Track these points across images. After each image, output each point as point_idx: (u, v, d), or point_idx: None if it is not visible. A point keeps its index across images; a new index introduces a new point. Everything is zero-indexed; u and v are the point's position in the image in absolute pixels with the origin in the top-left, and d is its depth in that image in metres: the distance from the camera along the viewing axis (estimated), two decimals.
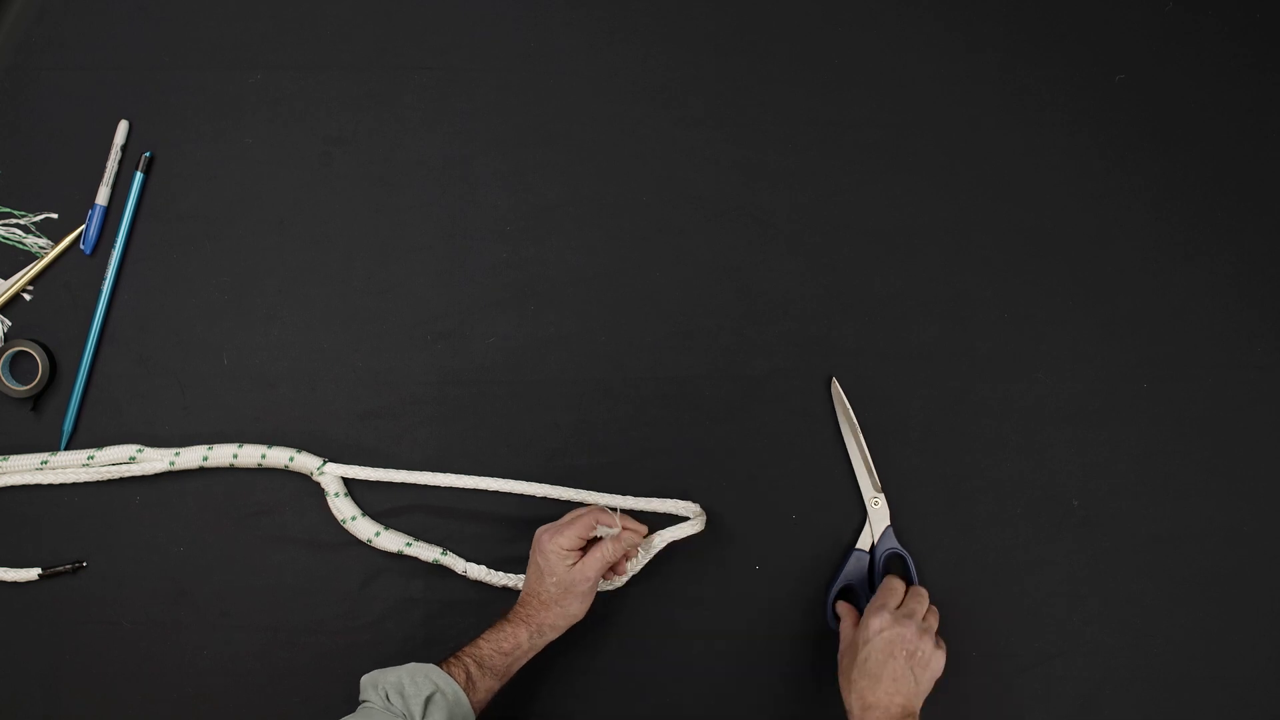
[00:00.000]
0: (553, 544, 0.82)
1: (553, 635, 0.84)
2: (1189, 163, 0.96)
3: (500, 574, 0.90)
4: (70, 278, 0.93)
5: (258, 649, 0.90)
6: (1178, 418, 0.93)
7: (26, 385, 0.91)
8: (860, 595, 0.90)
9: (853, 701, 0.79)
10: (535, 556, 0.83)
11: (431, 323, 0.93)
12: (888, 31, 0.97)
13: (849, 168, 0.95)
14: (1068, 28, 0.97)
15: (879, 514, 0.91)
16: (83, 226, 0.92)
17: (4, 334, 0.92)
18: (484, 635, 0.83)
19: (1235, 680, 0.91)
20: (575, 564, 0.82)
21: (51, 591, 0.90)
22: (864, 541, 0.91)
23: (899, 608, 0.83)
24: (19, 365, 0.92)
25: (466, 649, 0.82)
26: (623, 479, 0.91)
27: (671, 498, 0.90)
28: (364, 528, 0.89)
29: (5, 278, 0.92)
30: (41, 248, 0.92)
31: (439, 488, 0.90)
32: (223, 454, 0.90)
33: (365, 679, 0.80)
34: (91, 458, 0.90)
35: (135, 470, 0.90)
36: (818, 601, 0.91)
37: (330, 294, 0.93)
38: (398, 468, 0.91)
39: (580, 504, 0.89)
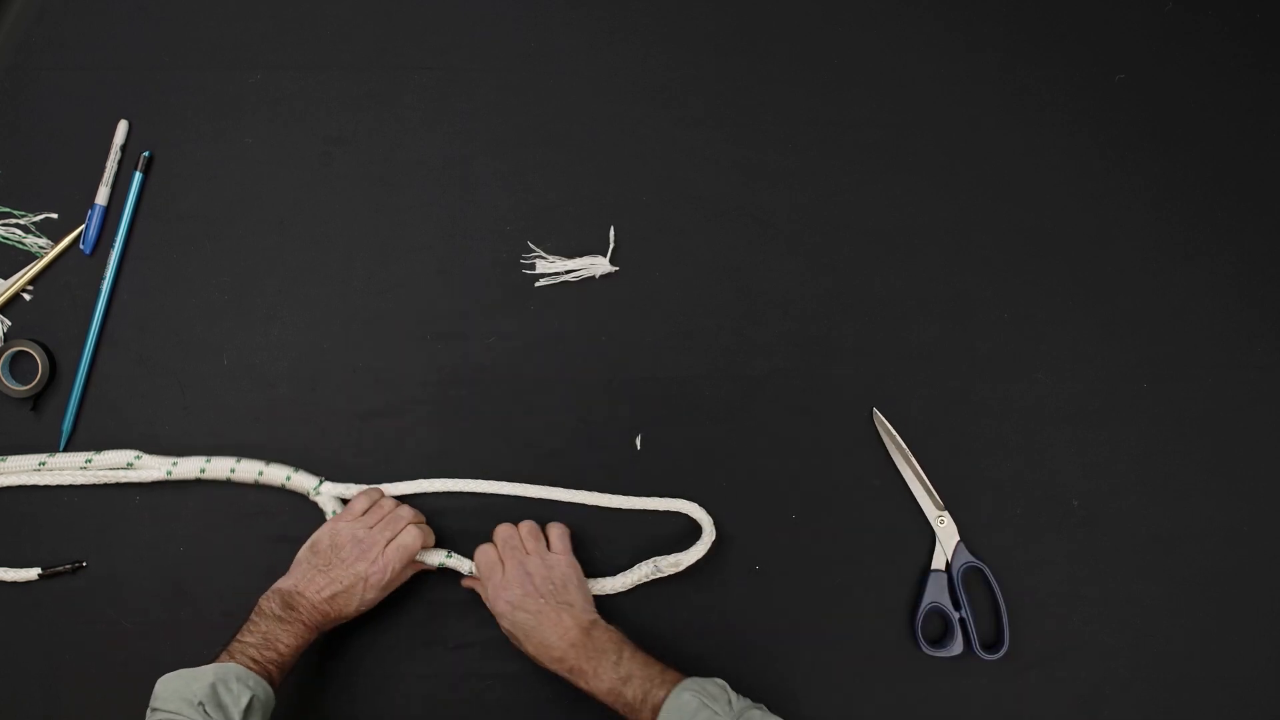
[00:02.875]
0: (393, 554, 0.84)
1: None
2: (1189, 163, 0.96)
3: (458, 557, 0.89)
4: (70, 278, 0.92)
5: None
6: (1178, 418, 0.93)
7: (26, 385, 0.91)
8: (949, 615, 0.90)
9: (551, 666, 0.81)
10: (361, 572, 0.83)
11: (431, 323, 0.93)
12: (888, 31, 0.97)
13: (849, 168, 0.95)
14: (1068, 28, 0.97)
15: (947, 532, 0.91)
16: (82, 226, 0.92)
17: (4, 334, 0.92)
18: (280, 638, 0.80)
19: (1235, 680, 0.91)
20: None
21: (51, 591, 0.90)
22: (938, 561, 0.91)
23: (504, 572, 0.84)
24: (19, 365, 0.92)
25: (263, 649, 0.79)
26: (623, 479, 0.91)
27: (673, 497, 0.90)
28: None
29: (5, 278, 0.92)
30: (41, 248, 0.92)
31: (440, 492, 0.90)
32: (220, 467, 0.89)
33: (162, 686, 0.74)
34: (90, 460, 0.90)
35: (133, 476, 0.90)
36: (818, 601, 0.91)
37: (330, 294, 0.93)
38: (398, 467, 0.91)
39: (574, 504, 0.90)
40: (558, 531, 0.87)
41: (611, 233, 0.93)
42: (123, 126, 0.93)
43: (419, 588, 0.91)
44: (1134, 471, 0.93)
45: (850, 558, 0.91)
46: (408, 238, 0.94)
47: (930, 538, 0.91)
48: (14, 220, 0.93)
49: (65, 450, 0.91)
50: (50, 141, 0.93)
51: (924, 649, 0.90)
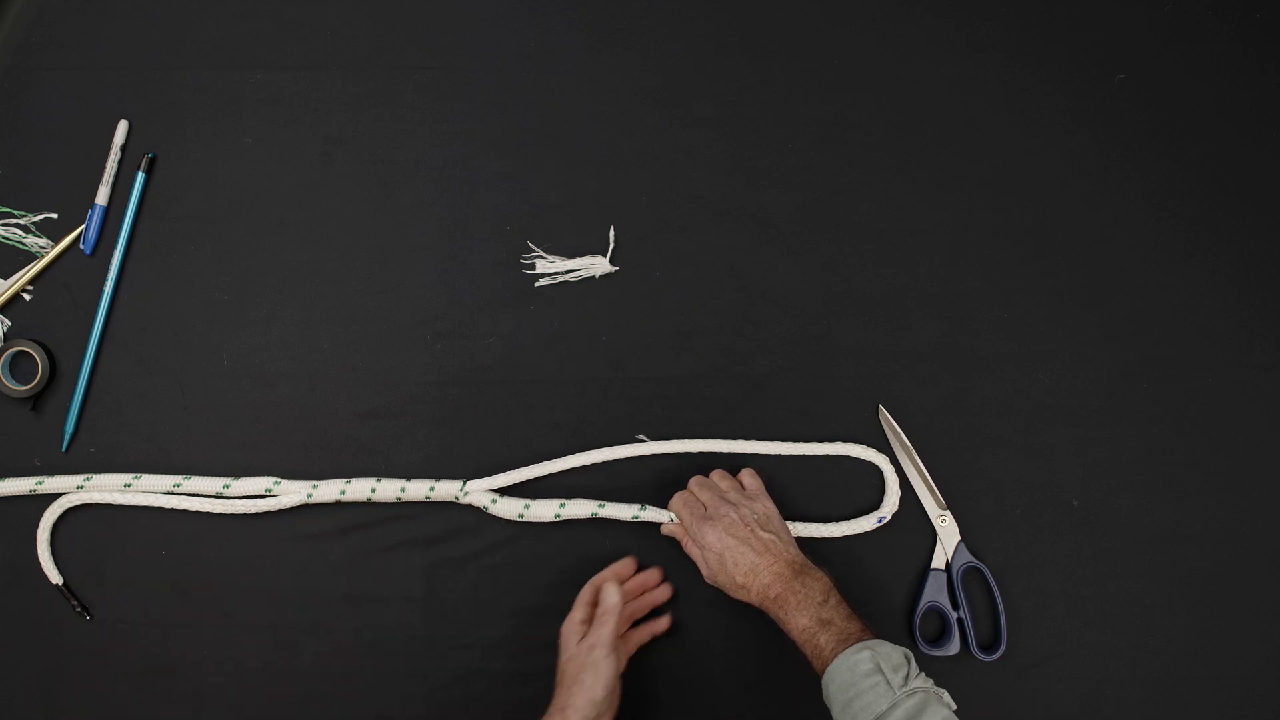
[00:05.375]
0: (565, 623, 0.84)
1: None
2: (1189, 163, 0.96)
3: (654, 509, 0.89)
4: (70, 278, 0.93)
5: (258, 649, 0.90)
6: (1178, 418, 0.93)
7: (26, 385, 0.91)
8: (947, 615, 0.90)
9: (755, 598, 0.81)
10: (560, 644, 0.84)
11: (431, 323, 0.93)
12: (888, 31, 0.97)
13: (849, 168, 0.95)
14: (1068, 28, 0.97)
15: (948, 531, 0.91)
16: (83, 226, 0.92)
17: (4, 334, 0.92)
18: None
19: (1235, 680, 0.91)
20: (583, 637, 0.82)
21: (52, 592, 0.90)
22: (938, 560, 0.91)
23: (706, 509, 0.85)
24: (19, 365, 0.92)
25: None
26: (623, 480, 0.91)
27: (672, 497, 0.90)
28: (542, 510, 0.89)
29: (5, 278, 0.92)
30: (41, 248, 0.92)
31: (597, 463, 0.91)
32: (360, 488, 0.89)
33: None
34: (227, 486, 0.89)
35: (273, 504, 0.89)
36: None
37: (330, 294, 0.93)
38: (398, 467, 0.91)
39: (743, 455, 0.92)
40: (750, 473, 0.89)
41: (611, 233, 0.93)
42: (123, 126, 0.93)
43: (419, 588, 0.91)
44: (1134, 471, 0.93)
45: (850, 556, 0.91)
46: (408, 238, 0.94)
47: (931, 537, 0.91)
48: (14, 220, 0.93)
49: (67, 450, 0.91)
50: (50, 141, 0.93)
51: (921, 648, 0.90)
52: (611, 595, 0.83)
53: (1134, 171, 0.96)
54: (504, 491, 0.90)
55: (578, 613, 0.84)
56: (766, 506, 0.86)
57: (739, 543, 0.82)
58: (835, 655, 0.75)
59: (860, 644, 0.74)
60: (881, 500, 0.92)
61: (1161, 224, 0.95)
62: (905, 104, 0.96)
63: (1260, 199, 0.95)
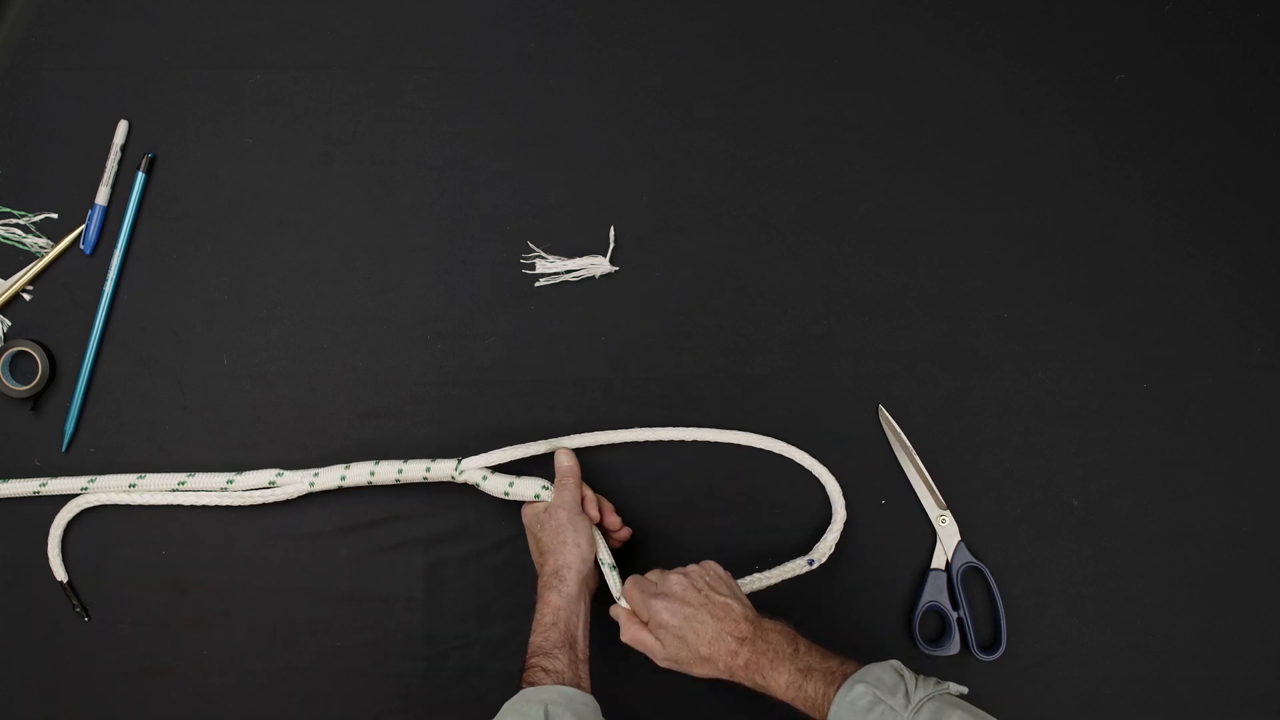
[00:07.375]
0: (524, 510, 0.87)
1: (577, 580, 0.80)
2: (1189, 163, 0.96)
3: None
4: (70, 278, 0.93)
5: (258, 649, 0.90)
6: (1178, 418, 0.93)
7: (26, 385, 0.91)
8: (947, 615, 0.90)
9: (723, 669, 0.77)
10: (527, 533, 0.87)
11: (431, 323, 0.93)
12: (888, 31, 0.97)
13: (849, 168, 0.95)
14: (1068, 28, 0.97)
15: (948, 531, 0.91)
16: (82, 226, 0.92)
17: (4, 334, 0.92)
18: (530, 632, 0.79)
19: (1235, 680, 0.91)
20: (546, 508, 0.85)
21: (52, 592, 0.90)
22: (938, 560, 0.91)
23: (656, 584, 0.81)
24: (19, 365, 0.92)
25: (526, 656, 0.78)
26: (622, 479, 0.91)
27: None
28: (525, 488, 0.88)
29: (5, 278, 0.92)
30: (41, 248, 0.92)
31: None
32: (360, 472, 0.89)
33: None
34: (231, 481, 0.89)
35: (278, 495, 0.89)
36: (817, 598, 0.91)
37: (330, 294, 0.93)
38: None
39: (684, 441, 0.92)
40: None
41: (611, 233, 0.93)
42: (123, 126, 0.93)
43: (419, 588, 0.91)
44: (1134, 471, 0.93)
45: (850, 556, 0.91)
46: (408, 238, 0.94)
47: (931, 537, 0.92)
48: (14, 220, 0.93)
49: (67, 450, 0.91)
50: (50, 141, 0.93)
51: (921, 648, 0.90)
52: (564, 459, 0.87)
53: (1134, 171, 0.96)
54: (496, 470, 0.90)
55: (538, 503, 0.87)
56: (714, 568, 0.82)
57: (696, 610, 0.77)
58: (829, 701, 0.72)
59: (849, 680, 0.72)
60: (825, 531, 0.90)
61: (1161, 224, 0.95)
62: (905, 104, 0.96)
63: (1260, 199, 0.95)
